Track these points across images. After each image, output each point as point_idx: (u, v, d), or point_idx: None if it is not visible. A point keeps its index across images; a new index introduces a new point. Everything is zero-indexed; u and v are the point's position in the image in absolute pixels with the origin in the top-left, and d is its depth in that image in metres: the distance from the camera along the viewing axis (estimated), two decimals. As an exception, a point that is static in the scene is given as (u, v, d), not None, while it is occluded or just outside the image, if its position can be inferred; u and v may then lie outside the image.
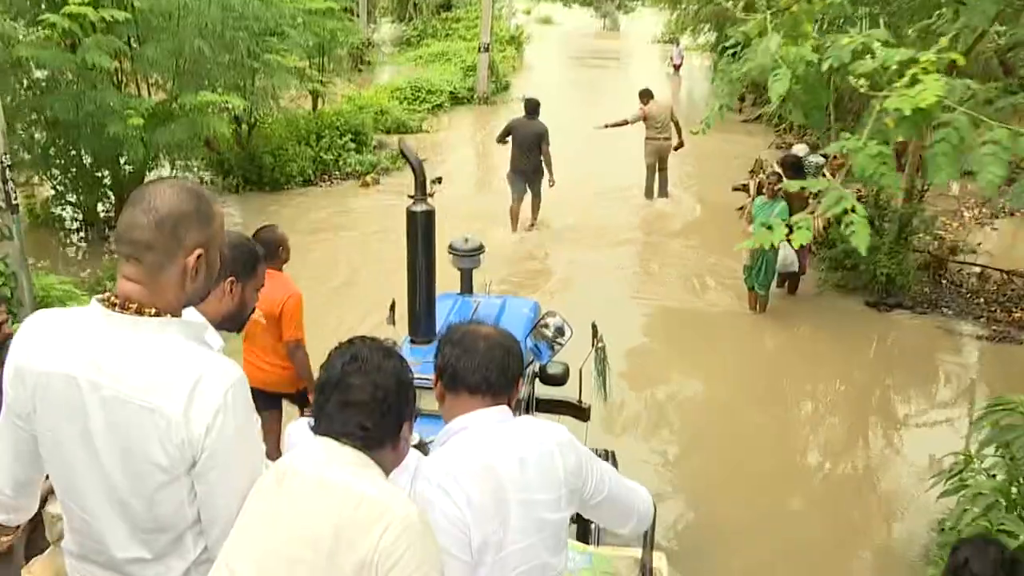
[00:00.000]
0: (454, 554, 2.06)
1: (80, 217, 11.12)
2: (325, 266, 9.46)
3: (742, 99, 24.83)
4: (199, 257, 1.91)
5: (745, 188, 12.70)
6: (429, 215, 3.76)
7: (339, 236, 10.88)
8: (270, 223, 5.49)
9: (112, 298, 1.88)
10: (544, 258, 11.11)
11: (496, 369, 2.24)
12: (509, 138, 11.14)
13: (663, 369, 8.19)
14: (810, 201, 9.11)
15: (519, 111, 11.64)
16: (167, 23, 9.61)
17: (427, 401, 2.48)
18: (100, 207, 11.25)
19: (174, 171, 11.44)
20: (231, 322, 2.55)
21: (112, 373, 1.84)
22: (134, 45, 9.69)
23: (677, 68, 33.83)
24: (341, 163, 14.40)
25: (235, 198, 12.78)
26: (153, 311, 1.87)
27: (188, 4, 9.09)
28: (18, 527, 2.77)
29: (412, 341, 3.84)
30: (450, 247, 4.38)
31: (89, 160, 9.97)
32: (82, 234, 11.14)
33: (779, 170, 11.87)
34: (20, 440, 2.01)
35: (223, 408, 1.83)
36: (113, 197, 11.25)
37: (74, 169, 10.07)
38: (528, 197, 11.42)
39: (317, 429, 1.94)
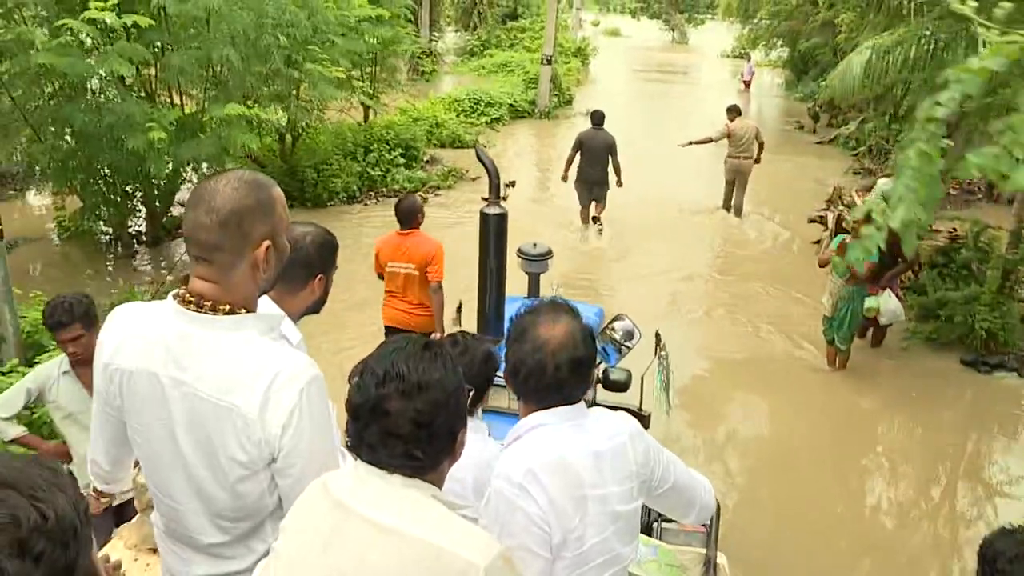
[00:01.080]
0: (536, 552, 2.08)
1: (110, 232, 10.50)
2: (362, 291, 8.65)
3: (816, 118, 23.70)
4: (268, 248, 1.91)
5: (822, 220, 11.66)
6: (502, 218, 3.82)
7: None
8: (409, 192, 6.26)
9: (187, 295, 1.91)
10: (608, 271, 10.89)
11: (567, 370, 2.15)
12: (580, 151, 11.33)
13: (721, 422, 7.27)
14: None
15: (582, 125, 11.93)
16: (199, 30, 8.90)
17: (498, 398, 2.55)
18: (131, 222, 10.64)
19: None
20: (315, 308, 2.67)
21: (191, 371, 1.87)
22: (166, 53, 9.01)
23: (747, 84, 32.67)
24: (389, 179, 13.61)
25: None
26: (227, 308, 1.90)
27: (220, 10, 8.35)
28: (112, 495, 2.90)
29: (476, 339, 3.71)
30: (519, 251, 4.40)
31: (110, 174, 9.28)
32: (114, 249, 10.52)
33: (860, 202, 10.85)
34: (113, 425, 2.11)
35: (299, 407, 1.85)
36: (145, 211, 10.64)
37: (99, 182, 9.40)
38: (593, 205, 11.77)
39: (359, 457, 1.74)
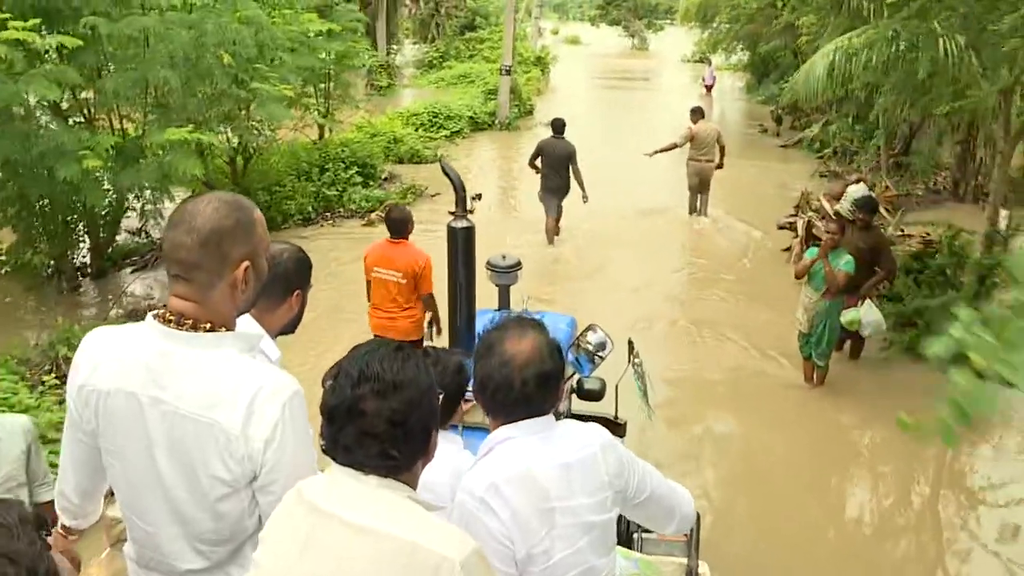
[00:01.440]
0: (498, 568, 2.03)
1: (51, 264, 9.96)
2: (319, 321, 8.24)
3: (779, 121, 23.55)
4: (247, 269, 1.94)
5: (791, 227, 11.40)
6: (469, 231, 3.82)
7: (337, 281, 9.66)
8: (398, 203, 6.73)
9: (167, 314, 1.92)
10: (577, 282, 10.53)
11: (534, 384, 2.15)
12: (539, 159, 11.28)
13: (695, 441, 6.94)
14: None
15: (544, 135, 11.75)
16: (137, 51, 8.44)
17: (476, 414, 2.55)
18: (74, 252, 10.11)
19: (144, 218, 10.27)
20: (291, 326, 2.68)
21: (171, 389, 1.88)
22: (102, 75, 8.55)
23: (709, 88, 32.58)
24: (345, 199, 13.14)
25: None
26: (208, 326, 1.91)
27: (155, 30, 7.90)
28: (81, 532, 2.59)
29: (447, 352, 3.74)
30: (488, 264, 4.38)
31: (47, 204, 8.77)
32: (56, 283, 9.98)
33: (831, 208, 10.58)
34: (85, 453, 2.09)
35: (281, 422, 1.86)
36: (88, 241, 10.13)
37: (35, 214, 8.88)
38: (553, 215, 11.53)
39: (334, 459, 1.74)
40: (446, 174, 4.02)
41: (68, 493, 2.25)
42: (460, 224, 3.90)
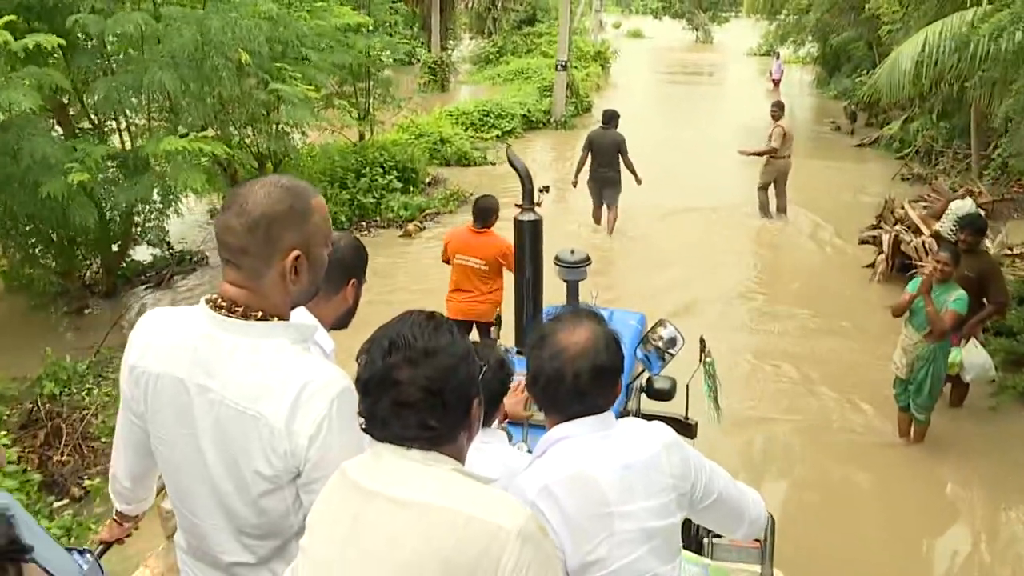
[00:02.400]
0: None
1: (57, 283, 9.14)
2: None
3: (853, 118, 22.06)
4: (297, 258, 1.84)
5: (875, 241, 10.13)
6: (537, 224, 3.71)
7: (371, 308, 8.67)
8: (487, 194, 6.77)
9: (219, 300, 1.86)
10: (640, 281, 9.94)
11: (588, 378, 2.01)
12: (590, 150, 11.26)
13: (770, 503, 5.77)
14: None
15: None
16: (137, 52, 7.57)
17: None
18: (81, 271, 9.30)
19: (145, 236, 9.42)
20: (344, 319, 2.56)
21: (219, 378, 1.82)
22: (96, 78, 7.70)
23: (777, 83, 31.05)
24: (383, 207, 12.20)
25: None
26: (260, 314, 1.85)
27: (152, 28, 7.00)
28: (137, 517, 2.53)
29: (519, 352, 3.60)
30: (556, 259, 4.20)
31: (33, 221, 7.94)
32: (63, 303, 9.17)
33: (927, 228, 9.33)
34: (136, 434, 2.05)
35: (327, 419, 1.79)
36: (100, 257, 9.32)
37: (22, 232, 8.08)
38: (605, 209, 11.53)
39: (373, 435, 1.67)
40: (512, 165, 3.89)
41: (120, 476, 2.24)
42: (528, 217, 3.75)
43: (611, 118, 11.22)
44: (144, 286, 9.63)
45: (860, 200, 13.76)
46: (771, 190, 12.56)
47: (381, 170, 12.62)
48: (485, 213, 6.34)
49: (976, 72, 10.92)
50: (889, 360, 6.38)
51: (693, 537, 3.39)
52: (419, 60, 13.59)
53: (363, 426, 1.68)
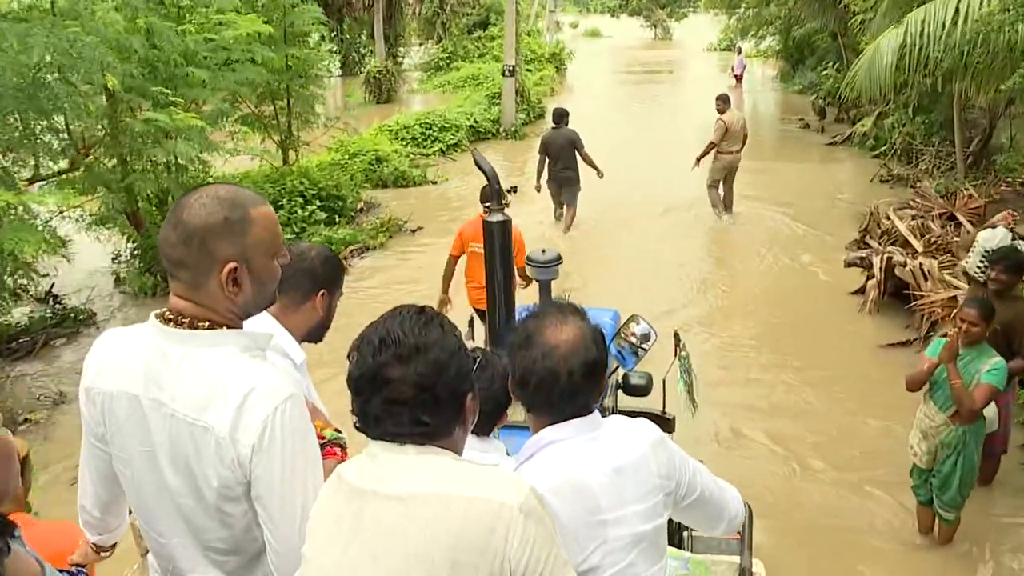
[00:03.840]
0: None
1: None
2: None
3: (822, 114, 20.85)
4: (233, 270, 1.81)
5: (863, 262, 8.80)
6: (506, 225, 3.62)
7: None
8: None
9: (167, 313, 1.86)
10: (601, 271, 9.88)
11: (581, 375, 1.93)
12: (547, 154, 10.99)
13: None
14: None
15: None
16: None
17: (515, 412, 2.49)
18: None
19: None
20: (317, 332, 2.54)
21: (170, 391, 1.81)
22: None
23: (739, 79, 29.87)
24: (304, 241, 10.71)
25: (136, 307, 9.13)
26: (207, 323, 1.83)
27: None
28: (113, 546, 2.42)
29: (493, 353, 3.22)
30: (528, 259, 4.16)
31: None
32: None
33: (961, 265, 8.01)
34: (100, 460, 2.03)
35: (271, 426, 1.75)
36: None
37: None
38: (565, 208, 11.30)
39: (367, 432, 1.67)
40: (479, 166, 3.79)
41: (89, 506, 2.19)
42: (496, 218, 3.64)
43: (561, 116, 11.10)
44: (12, 356, 8.10)
45: (838, 207, 12.47)
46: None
47: (301, 200, 11.11)
48: (495, 199, 6.00)
49: (968, 62, 9.74)
50: (898, 424, 5.06)
51: (675, 531, 3.32)
52: (327, 74, 12.23)
53: (356, 424, 1.67)
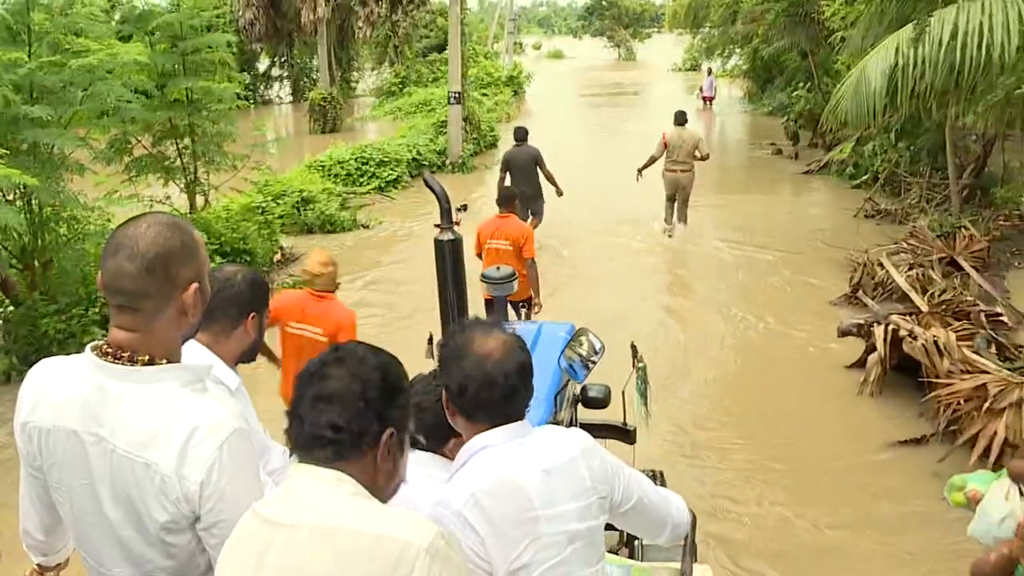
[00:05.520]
0: None
1: None
2: None
3: (795, 139, 19.48)
4: (196, 291, 1.87)
5: (861, 331, 7.28)
6: (456, 243, 3.64)
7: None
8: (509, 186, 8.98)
9: (105, 347, 1.84)
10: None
11: (517, 376, 2.07)
12: (508, 170, 11.04)
13: None
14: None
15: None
16: None
17: None
18: None
19: None
20: (250, 354, 2.61)
21: (109, 426, 1.81)
22: None
23: (708, 101, 28.54)
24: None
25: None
26: (147, 358, 1.84)
27: None
28: (58, 565, 2.37)
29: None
30: (483, 276, 4.32)
31: None
32: None
33: (927, 304, 6.52)
34: (40, 488, 2.02)
35: (218, 462, 1.77)
36: None
37: None
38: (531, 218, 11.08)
39: (288, 433, 1.72)
40: (428, 186, 3.75)
41: (32, 530, 2.17)
42: (446, 237, 3.58)
43: (524, 135, 11.18)
44: None
45: (820, 247, 11.00)
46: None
47: (197, 257, 9.43)
48: (506, 199, 7.33)
49: (964, 84, 8.48)
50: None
51: (625, 538, 3.39)
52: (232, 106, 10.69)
53: (285, 429, 1.70)
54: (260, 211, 12.09)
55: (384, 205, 14.26)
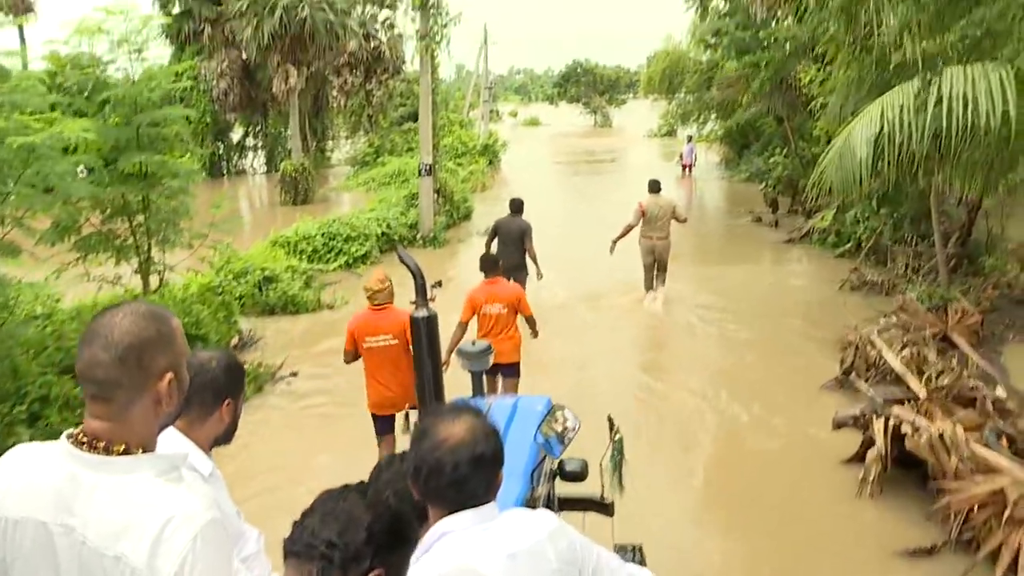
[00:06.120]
0: None
1: None
2: None
3: (774, 206, 19.14)
4: (171, 381, 1.84)
5: (858, 422, 6.71)
6: (431, 320, 3.70)
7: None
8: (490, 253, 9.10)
9: (80, 436, 1.80)
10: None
11: (468, 467, 2.03)
12: (496, 238, 11.07)
13: None
14: None
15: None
16: None
17: None
18: None
19: None
20: (225, 437, 2.59)
21: (80, 517, 1.75)
22: None
23: (687, 168, 28.33)
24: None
25: None
26: (123, 447, 1.80)
27: None
28: None
29: None
30: (459, 351, 4.42)
31: None
32: None
33: (924, 388, 6.00)
34: None
35: (192, 554, 1.71)
36: None
37: None
38: None
39: (288, 537, 1.81)
40: (403, 261, 3.83)
41: None
42: (421, 314, 3.68)
43: (519, 207, 11.12)
44: None
45: (807, 322, 10.50)
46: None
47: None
48: (489, 265, 7.37)
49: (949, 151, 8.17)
50: None
51: None
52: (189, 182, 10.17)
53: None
54: (218, 291, 11.55)
55: (351, 283, 13.69)
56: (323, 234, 14.82)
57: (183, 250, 10.36)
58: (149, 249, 10.11)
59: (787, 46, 11.78)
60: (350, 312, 12.00)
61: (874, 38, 9.38)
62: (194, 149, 10.75)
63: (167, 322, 1.85)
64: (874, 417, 6.38)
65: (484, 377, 4.44)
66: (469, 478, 2.02)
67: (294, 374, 9.43)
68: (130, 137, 9.36)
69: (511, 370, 7.24)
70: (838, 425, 6.77)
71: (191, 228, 10.31)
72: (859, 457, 6.55)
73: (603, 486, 4.08)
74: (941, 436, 5.82)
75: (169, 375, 1.80)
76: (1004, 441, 6.12)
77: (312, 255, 14.39)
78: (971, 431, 6.04)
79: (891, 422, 6.15)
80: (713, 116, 27.99)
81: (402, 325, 5.71)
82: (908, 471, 6.21)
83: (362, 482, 2.01)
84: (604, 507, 4.18)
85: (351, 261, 14.63)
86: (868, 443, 6.44)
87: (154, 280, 10.36)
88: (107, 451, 1.76)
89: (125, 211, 9.74)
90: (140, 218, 9.94)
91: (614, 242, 11.74)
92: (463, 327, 7.06)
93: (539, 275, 10.83)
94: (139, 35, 9.54)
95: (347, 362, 6.22)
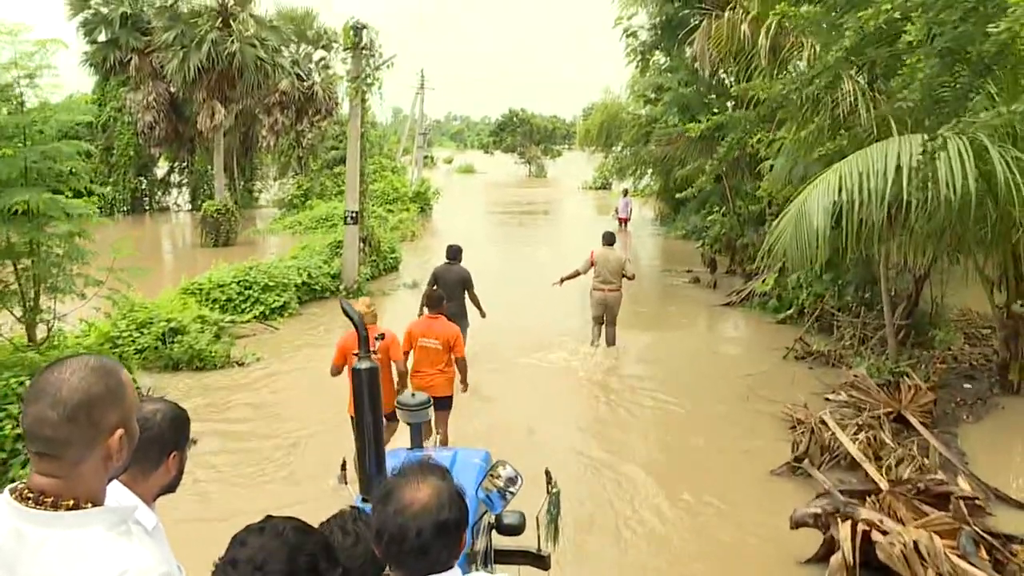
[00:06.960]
0: None
1: None
2: None
3: (712, 266, 18.70)
4: (121, 437, 1.79)
5: (818, 522, 6.00)
6: (373, 372, 3.57)
7: None
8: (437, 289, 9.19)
9: (25, 491, 1.74)
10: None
11: (431, 534, 1.98)
12: (435, 285, 10.74)
13: None
14: None
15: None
16: None
17: None
18: None
19: None
20: (170, 487, 2.52)
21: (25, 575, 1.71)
22: None
23: (624, 222, 27.94)
24: (9, 476, 7.27)
25: None
26: (71, 503, 1.74)
27: None
28: None
29: (364, 499, 3.42)
30: (398, 403, 4.41)
31: None
32: None
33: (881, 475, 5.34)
34: None
35: None
36: None
37: None
38: None
39: None
40: (346, 314, 3.69)
41: None
42: (364, 365, 3.50)
43: (456, 254, 10.95)
44: None
45: (751, 399, 9.83)
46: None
47: (15, 420, 7.69)
48: (435, 302, 7.83)
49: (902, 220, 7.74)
50: None
51: None
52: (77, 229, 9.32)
53: None
54: (117, 342, 10.54)
55: (265, 337, 12.70)
56: (239, 282, 13.79)
57: (78, 299, 9.39)
58: (36, 297, 9.11)
59: (757, 110, 11.35)
60: (261, 370, 11.15)
61: (828, 104, 8.96)
62: (95, 187, 9.66)
63: (116, 375, 1.79)
64: (837, 517, 5.68)
65: (421, 429, 4.32)
66: (431, 545, 1.96)
67: (193, 441, 8.46)
68: (16, 172, 8.41)
69: (444, 403, 7.49)
70: (796, 525, 6.04)
71: (85, 274, 9.33)
72: (820, 558, 5.85)
73: (539, 538, 4.08)
74: (916, 546, 5.15)
75: (120, 431, 1.76)
76: (983, 550, 5.49)
77: (226, 304, 13.37)
78: (946, 538, 5.41)
79: (859, 528, 5.45)
80: (650, 171, 27.70)
81: (384, 345, 6.80)
82: (873, 574, 5.53)
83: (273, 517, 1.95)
84: (540, 560, 4.16)
85: (267, 312, 13.62)
86: (830, 543, 5.75)
87: (42, 330, 9.37)
88: (55, 507, 1.70)
89: (9, 254, 8.77)
90: (26, 262, 8.97)
91: (561, 280, 12.02)
92: (405, 356, 7.48)
93: (482, 314, 10.82)
94: (32, 59, 8.66)
95: (333, 375, 7.01)
